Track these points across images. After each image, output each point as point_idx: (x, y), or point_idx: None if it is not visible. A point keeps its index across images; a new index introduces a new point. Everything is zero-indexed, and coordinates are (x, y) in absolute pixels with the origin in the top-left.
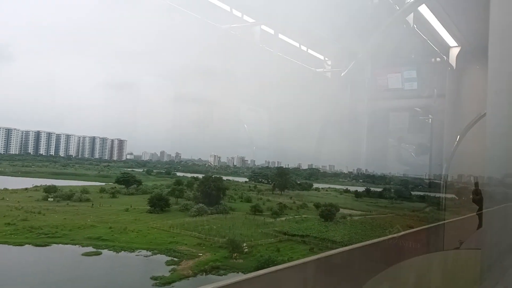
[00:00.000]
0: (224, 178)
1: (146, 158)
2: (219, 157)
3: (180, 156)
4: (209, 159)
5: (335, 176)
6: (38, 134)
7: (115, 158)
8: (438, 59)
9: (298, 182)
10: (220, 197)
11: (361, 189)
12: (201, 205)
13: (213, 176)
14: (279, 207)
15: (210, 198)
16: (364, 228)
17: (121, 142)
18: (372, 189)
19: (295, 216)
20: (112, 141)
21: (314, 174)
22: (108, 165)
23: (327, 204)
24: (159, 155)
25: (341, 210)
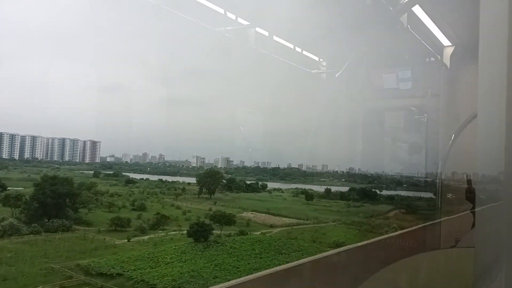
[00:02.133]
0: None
1: (126, 160)
2: (203, 158)
3: (163, 158)
4: (191, 161)
5: (317, 176)
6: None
7: (87, 160)
8: (432, 58)
9: (249, 183)
10: (63, 207)
11: (340, 188)
12: (10, 220)
13: (61, 176)
14: (157, 219)
15: (46, 209)
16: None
17: (93, 144)
18: (339, 190)
19: (168, 233)
20: (84, 142)
21: (290, 174)
22: (58, 167)
23: (224, 215)
24: (141, 156)
25: (267, 219)
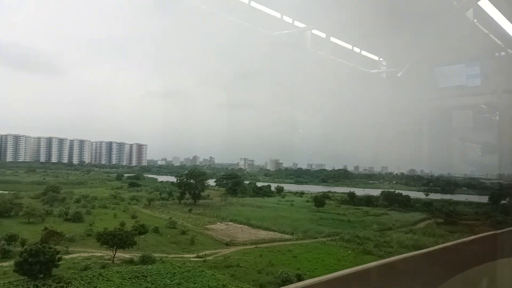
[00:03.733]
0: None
1: (176, 163)
2: (252, 160)
3: (213, 160)
4: (239, 163)
5: (366, 178)
6: (49, 141)
7: (133, 163)
8: (502, 53)
9: (259, 186)
10: None
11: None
12: None
13: None
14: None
15: None
16: None
17: (140, 147)
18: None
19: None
20: (131, 146)
21: (334, 176)
22: (90, 171)
23: (115, 235)
24: (191, 159)
25: (238, 232)
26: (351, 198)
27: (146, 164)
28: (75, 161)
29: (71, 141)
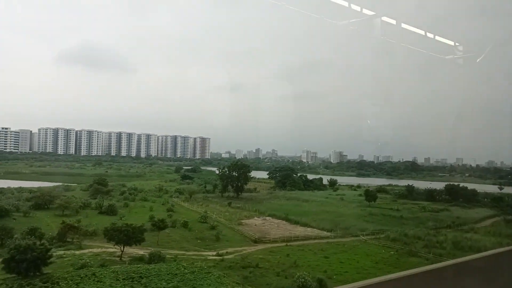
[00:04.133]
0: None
1: (239, 156)
2: (315, 153)
3: (276, 153)
4: (301, 155)
5: (435, 170)
6: (119, 135)
7: (197, 156)
8: None
9: (310, 179)
10: None
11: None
12: None
13: None
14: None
15: None
16: None
17: (203, 141)
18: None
19: None
20: (195, 139)
21: (399, 168)
22: (152, 164)
23: (121, 230)
24: (254, 151)
25: (272, 229)
26: (410, 192)
27: (209, 157)
28: (143, 154)
29: (139, 136)
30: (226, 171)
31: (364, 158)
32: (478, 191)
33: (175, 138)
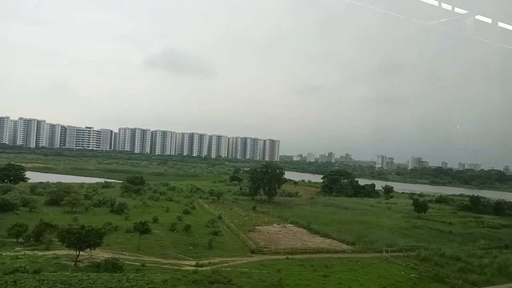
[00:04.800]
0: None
1: (310, 159)
2: (392, 158)
3: (350, 157)
4: (376, 160)
5: None
6: (191, 136)
7: (266, 158)
8: None
9: (362, 185)
10: None
11: None
12: None
13: None
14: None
15: None
16: None
17: (272, 143)
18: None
19: None
20: (264, 141)
21: (478, 177)
22: (215, 165)
23: (73, 232)
24: (327, 155)
25: (290, 237)
26: (474, 204)
27: (277, 159)
28: (213, 155)
29: (210, 137)
30: (257, 172)
31: (449, 166)
32: None
33: (245, 140)
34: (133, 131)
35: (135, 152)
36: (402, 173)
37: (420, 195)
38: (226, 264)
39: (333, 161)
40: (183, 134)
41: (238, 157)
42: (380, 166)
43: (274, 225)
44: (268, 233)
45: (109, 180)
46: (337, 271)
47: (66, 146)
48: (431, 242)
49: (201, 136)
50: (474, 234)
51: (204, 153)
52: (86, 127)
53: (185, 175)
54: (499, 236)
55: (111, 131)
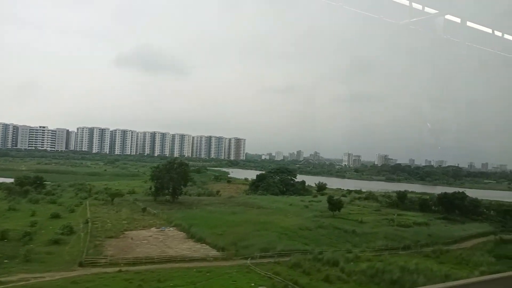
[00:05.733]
0: None
1: (279, 158)
2: (359, 156)
3: (319, 155)
4: (343, 158)
5: (480, 177)
6: (153, 135)
7: (232, 157)
8: None
9: (292, 183)
10: None
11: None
12: None
13: None
14: None
15: None
16: None
17: (238, 141)
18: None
19: None
20: (229, 140)
21: (432, 173)
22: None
23: None
24: (295, 154)
25: (155, 243)
26: (402, 201)
27: (243, 158)
28: (176, 154)
29: (173, 136)
30: (159, 171)
31: (417, 163)
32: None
33: (209, 138)
34: (91, 130)
35: (93, 152)
36: (361, 170)
37: (360, 191)
38: (23, 283)
39: (301, 159)
40: (144, 133)
41: (202, 156)
42: (346, 163)
43: (152, 229)
44: (132, 239)
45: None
46: (170, 286)
47: (18, 146)
48: (326, 244)
49: (163, 135)
50: (377, 234)
51: (167, 152)
52: (40, 127)
53: (124, 175)
54: (403, 236)
55: (67, 131)
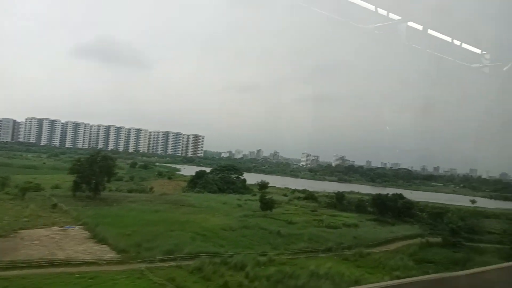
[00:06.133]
0: None
1: (239, 156)
2: (317, 156)
3: (278, 155)
4: (301, 158)
5: (429, 180)
6: (108, 129)
7: (190, 153)
8: None
9: (231, 181)
10: None
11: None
12: None
13: None
14: None
15: None
16: None
17: (196, 138)
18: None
19: None
20: (188, 136)
21: (383, 175)
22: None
23: None
24: (255, 152)
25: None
26: (340, 201)
27: (201, 155)
28: (131, 149)
29: (128, 130)
30: (80, 164)
31: (373, 165)
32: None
33: (167, 134)
34: (40, 121)
35: (41, 144)
36: (315, 170)
37: (303, 191)
38: None
39: (260, 157)
40: (98, 126)
41: (159, 152)
42: (304, 163)
43: (54, 228)
44: (21, 239)
45: None
46: None
47: None
48: (244, 245)
49: (118, 129)
50: (302, 235)
51: (121, 147)
52: None
53: (64, 168)
54: (328, 238)
55: (14, 121)
